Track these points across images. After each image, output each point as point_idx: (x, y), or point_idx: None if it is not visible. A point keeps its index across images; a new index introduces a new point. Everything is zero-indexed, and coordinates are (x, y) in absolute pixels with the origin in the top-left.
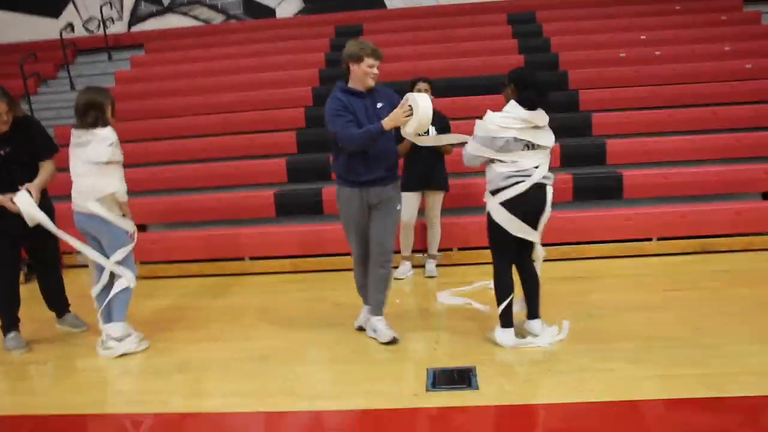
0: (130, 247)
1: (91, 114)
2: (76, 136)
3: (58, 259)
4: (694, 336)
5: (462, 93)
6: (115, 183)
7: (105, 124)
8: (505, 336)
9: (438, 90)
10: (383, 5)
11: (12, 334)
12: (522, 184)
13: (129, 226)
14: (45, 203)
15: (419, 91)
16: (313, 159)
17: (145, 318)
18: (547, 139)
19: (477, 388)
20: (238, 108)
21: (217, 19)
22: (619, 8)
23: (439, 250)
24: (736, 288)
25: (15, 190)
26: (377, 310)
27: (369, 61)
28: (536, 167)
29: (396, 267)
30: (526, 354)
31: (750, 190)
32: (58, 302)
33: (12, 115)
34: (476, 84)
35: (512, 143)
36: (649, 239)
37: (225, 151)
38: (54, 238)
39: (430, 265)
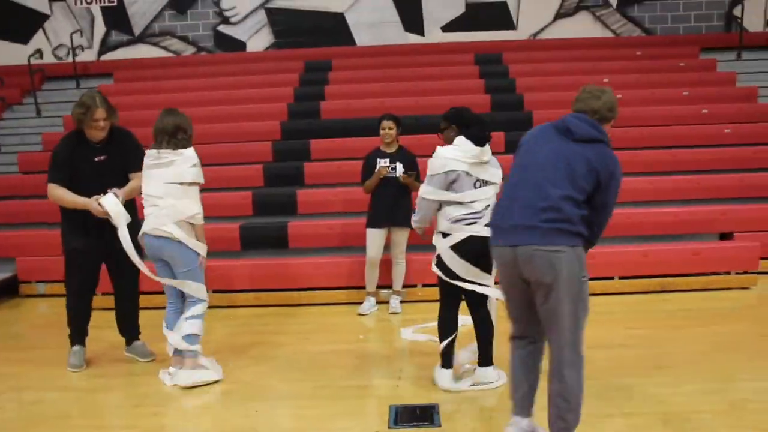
0: (200, 271)
1: (180, 135)
2: (156, 157)
3: (136, 285)
4: (655, 374)
5: (429, 131)
6: (195, 206)
7: (189, 145)
8: (441, 376)
9: (405, 128)
10: (352, 42)
11: (76, 348)
12: (474, 225)
13: (202, 250)
14: (131, 214)
15: (383, 128)
16: (280, 192)
17: (104, 351)
18: (496, 175)
19: (439, 425)
20: (205, 140)
21: (188, 50)
22: (583, 52)
23: (404, 287)
24: (695, 327)
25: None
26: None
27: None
28: (487, 207)
29: (360, 302)
30: (489, 391)
31: (708, 231)
32: (129, 329)
33: (109, 123)
34: None
35: (464, 179)
36: (612, 278)
37: None
38: (133, 264)
39: (395, 302)
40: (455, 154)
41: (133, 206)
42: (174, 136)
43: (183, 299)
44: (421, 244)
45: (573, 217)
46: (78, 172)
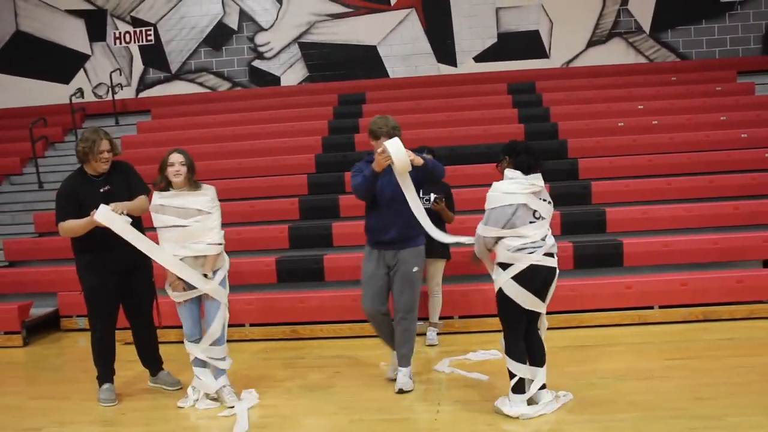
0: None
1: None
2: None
3: (151, 318)
4: (696, 406)
5: (463, 161)
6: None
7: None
8: (515, 403)
9: (439, 158)
10: (386, 74)
11: (106, 386)
12: (534, 254)
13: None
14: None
15: None
16: (316, 225)
17: (129, 381)
18: (548, 210)
19: None
20: (241, 174)
21: (223, 86)
22: (617, 79)
23: (441, 318)
24: (738, 357)
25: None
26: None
27: (378, 141)
28: (543, 238)
29: None
30: (527, 425)
31: (750, 258)
32: (152, 359)
33: (112, 156)
34: (477, 152)
35: (522, 212)
36: (651, 307)
37: (228, 217)
38: (149, 294)
39: (432, 333)
40: (510, 188)
41: (141, 229)
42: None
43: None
44: (457, 275)
45: None
46: (86, 206)
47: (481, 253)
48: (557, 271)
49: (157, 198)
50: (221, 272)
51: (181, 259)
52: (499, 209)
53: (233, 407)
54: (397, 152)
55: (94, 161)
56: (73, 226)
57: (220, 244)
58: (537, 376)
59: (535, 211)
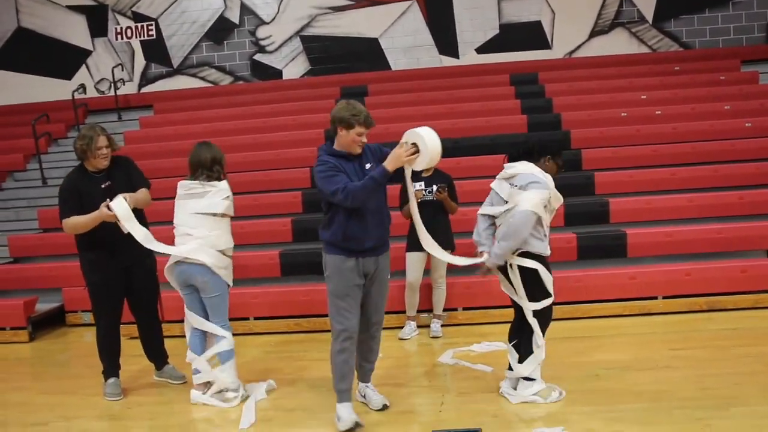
0: (227, 299)
1: (216, 168)
2: (188, 187)
3: (156, 312)
4: (702, 396)
5: (465, 153)
6: (227, 237)
7: (223, 178)
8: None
9: (442, 150)
10: (388, 66)
11: (112, 380)
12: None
13: (230, 279)
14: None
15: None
16: (319, 219)
17: (135, 376)
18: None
19: None
20: (244, 168)
21: (225, 80)
22: (620, 69)
23: (445, 310)
24: (743, 347)
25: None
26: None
27: (359, 129)
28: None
29: (400, 327)
30: (532, 415)
31: (754, 248)
32: (157, 353)
33: (110, 151)
34: (480, 144)
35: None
36: (655, 297)
37: None
38: (153, 289)
39: (435, 326)
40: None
41: (145, 224)
42: (210, 169)
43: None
44: (461, 267)
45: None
46: (88, 202)
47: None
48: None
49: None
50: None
51: None
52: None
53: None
54: (434, 145)
55: (93, 158)
56: (78, 222)
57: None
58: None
59: (503, 197)
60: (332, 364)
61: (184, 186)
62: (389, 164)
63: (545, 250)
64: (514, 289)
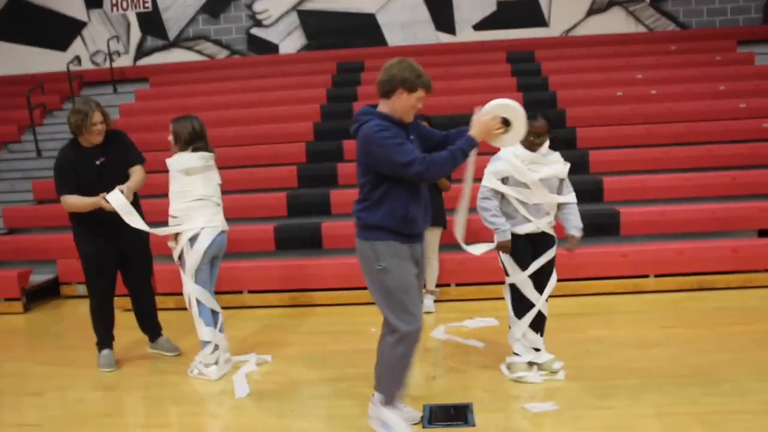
0: None
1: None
2: (207, 158)
3: (150, 285)
4: (691, 373)
5: None
6: None
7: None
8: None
9: (438, 127)
10: (384, 42)
11: (105, 352)
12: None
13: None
14: (136, 208)
15: None
16: (314, 193)
17: (129, 348)
18: None
19: (474, 424)
20: (239, 142)
21: (221, 54)
22: (616, 48)
23: (437, 286)
24: (733, 325)
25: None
26: None
27: (421, 93)
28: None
29: None
30: (523, 390)
31: (746, 228)
32: (150, 326)
33: (105, 126)
34: None
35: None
36: (646, 276)
37: (226, 185)
38: (146, 262)
39: (428, 301)
40: None
41: (137, 205)
42: (206, 140)
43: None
44: (453, 243)
45: (357, 213)
46: (83, 178)
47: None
48: None
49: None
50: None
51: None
52: None
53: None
54: (520, 120)
55: (88, 134)
56: (76, 203)
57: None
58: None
59: None
60: (387, 368)
61: (203, 157)
62: (478, 135)
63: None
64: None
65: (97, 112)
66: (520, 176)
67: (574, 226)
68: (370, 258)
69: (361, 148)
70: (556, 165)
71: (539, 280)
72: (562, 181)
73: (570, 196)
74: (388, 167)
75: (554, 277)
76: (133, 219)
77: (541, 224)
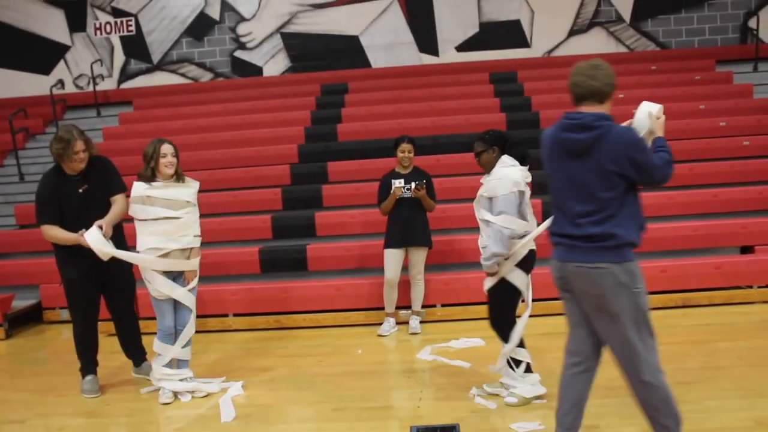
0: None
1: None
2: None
3: (133, 309)
4: (677, 391)
5: (445, 151)
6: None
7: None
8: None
9: (421, 148)
10: (368, 64)
11: (89, 377)
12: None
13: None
14: (120, 244)
15: (403, 152)
16: (299, 215)
17: (113, 373)
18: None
19: None
20: (224, 164)
21: (205, 77)
22: None
23: (423, 307)
24: (716, 342)
25: (91, 225)
26: None
27: None
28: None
29: (379, 324)
30: (510, 410)
31: (728, 245)
32: (135, 350)
33: (88, 154)
34: (459, 142)
35: (526, 199)
36: None
37: (211, 208)
38: (129, 286)
39: (414, 322)
40: (517, 174)
41: (120, 232)
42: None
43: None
44: (439, 263)
45: (609, 230)
46: (66, 206)
47: (506, 250)
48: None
49: (144, 189)
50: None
51: (167, 253)
52: (511, 195)
53: (208, 393)
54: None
55: (70, 162)
56: (57, 236)
57: (200, 236)
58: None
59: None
60: (665, 402)
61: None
62: (663, 134)
63: None
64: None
65: (79, 141)
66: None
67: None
68: (625, 281)
69: (616, 156)
70: (488, 185)
71: None
72: (490, 199)
73: (489, 215)
74: (644, 173)
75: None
76: (109, 253)
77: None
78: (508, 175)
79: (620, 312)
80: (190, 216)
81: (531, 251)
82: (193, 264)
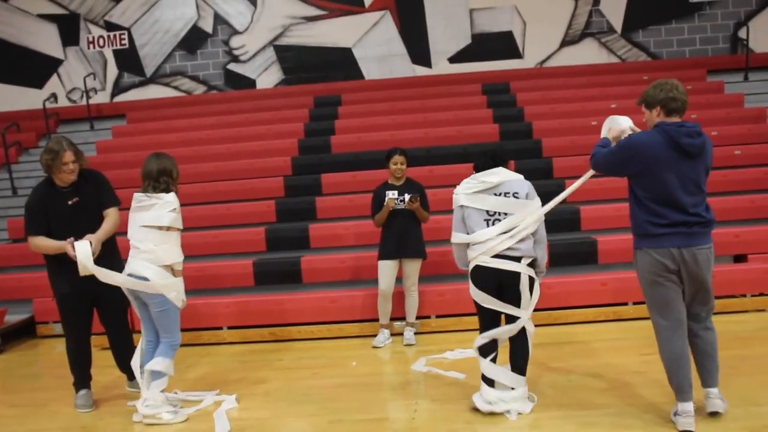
0: (175, 312)
1: (163, 179)
2: (138, 200)
3: (126, 323)
4: (672, 400)
5: (438, 162)
6: (175, 252)
7: (171, 190)
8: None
9: (414, 159)
10: (361, 76)
11: (83, 392)
12: (481, 255)
13: (178, 301)
14: (112, 256)
15: (395, 164)
16: (293, 228)
17: (106, 387)
18: (511, 204)
19: None
20: (217, 177)
21: (199, 89)
22: (589, 78)
23: (418, 318)
24: None
25: (80, 238)
26: None
27: None
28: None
29: (374, 335)
30: (505, 421)
31: (722, 254)
32: (128, 364)
33: (78, 166)
34: (452, 153)
35: (470, 213)
36: (626, 303)
37: (204, 220)
38: (121, 300)
39: (409, 333)
40: (458, 189)
41: (113, 245)
42: (157, 180)
43: (158, 337)
44: (433, 274)
45: (711, 217)
46: (54, 218)
47: (460, 259)
48: (519, 274)
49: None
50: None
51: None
52: (455, 211)
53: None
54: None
55: (59, 173)
56: (44, 245)
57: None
58: (512, 381)
59: (487, 210)
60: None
61: (135, 198)
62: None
63: None
64: (514, 300)
65: (68, 152)
66: None
67: None
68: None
69: (709, 156)
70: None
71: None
72: None
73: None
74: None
75: None
76: (90, 269)
77: None
78: (455, 191)
79: (709, 280)
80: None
81: (478, 267)
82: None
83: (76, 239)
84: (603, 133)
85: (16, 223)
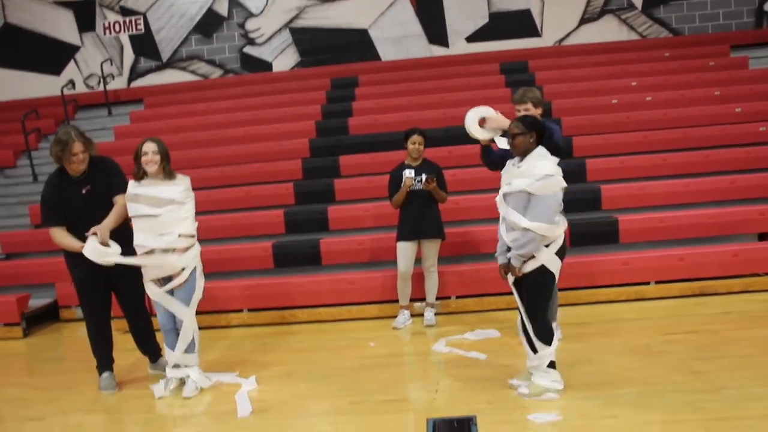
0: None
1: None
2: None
3: (144, 306)
4: (695, 380)
5: (457, 142)
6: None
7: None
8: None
9: (433, 140)
10: (377, 57)
11: (106, 374)
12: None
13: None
14: (125, 237)
15: (414, 143)
16: (311, 210)
17: (129, 369)
18: None
19: None
20: (235, 161)
21: (215, 73)
22: (609, 56)
23: (438, 299)
24: (735, 330)
25: (96, 224)
26: None
27: None
28: None
29: (394, 316)
30: (527, 401)
31: (746, 232)
32: (149, 347)
33: (88, 155)
34: None
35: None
36: (647, 283)
37: (223, 204)
38: (137, 284)
39: (429, 314)
40: (557, 168)
41: (126, 232)
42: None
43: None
44: (452, 255)
45: None
46: (70, 208)
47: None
48: None
49: (132, 187)
50: (188, 270)
51: (151, 251)
52: (558, 195)
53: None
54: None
55: (69, 163)
56: (62, 242)
57: (193, 236)
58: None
59: None
60: None
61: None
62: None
63: None
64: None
65: (77, 142)
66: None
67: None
68: None
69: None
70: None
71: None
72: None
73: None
74: None
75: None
76: (110, 261)
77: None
78: (553, 169)
79: None
80: (171, 214)
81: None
82: (173, 264)
83: (86, 233)
84: (479, 134)
85: (37, 209)
